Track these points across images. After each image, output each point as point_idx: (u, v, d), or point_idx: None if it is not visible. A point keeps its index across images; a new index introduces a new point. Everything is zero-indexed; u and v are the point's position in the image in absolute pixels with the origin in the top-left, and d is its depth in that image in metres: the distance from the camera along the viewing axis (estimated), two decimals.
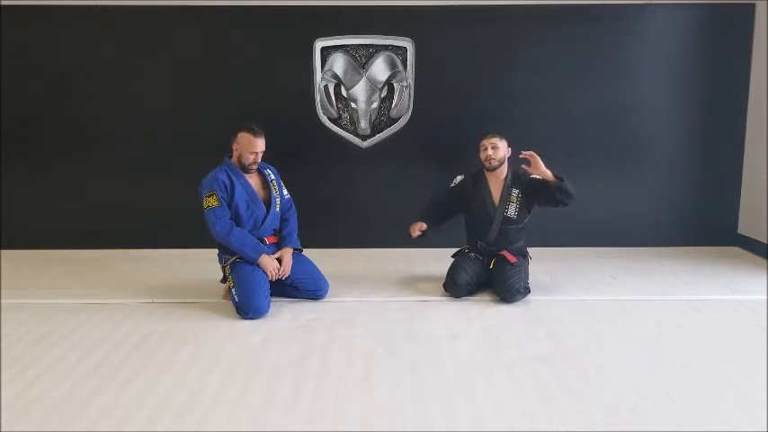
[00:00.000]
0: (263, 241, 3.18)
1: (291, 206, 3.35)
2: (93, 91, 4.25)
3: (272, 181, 3.24)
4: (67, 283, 3.60)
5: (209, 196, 3.05)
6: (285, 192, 3.31)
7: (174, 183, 4.34)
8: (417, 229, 3.37)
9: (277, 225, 3.27)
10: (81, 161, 4.32)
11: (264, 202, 3.19)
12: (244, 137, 3.07)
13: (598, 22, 4.19)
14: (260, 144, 3.08)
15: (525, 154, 3.14)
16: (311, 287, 3.23)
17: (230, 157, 3.17)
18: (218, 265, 3.25)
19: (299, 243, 3.31)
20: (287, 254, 3.20)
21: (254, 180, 3.20)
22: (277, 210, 3.23)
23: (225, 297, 3.25)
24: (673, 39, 4.22)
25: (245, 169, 3.12)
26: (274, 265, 3.11)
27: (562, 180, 3.11)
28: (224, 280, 3.21)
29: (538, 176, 3.19)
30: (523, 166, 3.20)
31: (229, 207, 3.09)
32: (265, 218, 3.18)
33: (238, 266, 3.09)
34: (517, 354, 2.55)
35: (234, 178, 3.10)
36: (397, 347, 2.63)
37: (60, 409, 2.09)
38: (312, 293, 3.24)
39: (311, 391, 2.23)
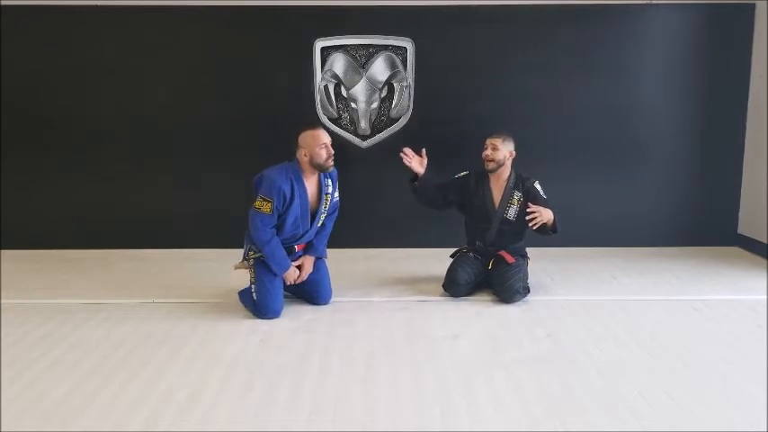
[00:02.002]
0: (292, 249, 3.12)
1: (336, 210, 3.24)
2: (93, 91, 4.25)
3: (326, 195, 3.11)
4: (67, 283, 3.60)
5: (264, 200, 2.92)
6: (336, 194, 3.18)
7: (174, 183, 4.35)
8: (416, 157, 3.25)
9: (312, 237, 3.19)
10: (81, 161, 4.32)
11: (310, 215, 3.11)
12: (306, 136, 2.97)
13: (598, 22, 4.19)
14: (324, 135, 2.98)
15: (531, 211, 3.09)
16: (313, 291, 3.18)
17: (297, 160, 3.03)
18: (244, 245, 3.16)
19: (325, 252, 3.25)
20: (308, 262, 3.16)
21: (312, 192, 3.06)
22: (319, 224, 3.16)
23: (238, 266, 3.21)
24: (673, 39, 4.23)
25: (324, 169, 3.00)
26: (295, 275, 3.09)
27: (555, 231, 3.18)
28: (243, 260, 3.17)
29: (541, 194, 3.27)
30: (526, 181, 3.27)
31: (279, 216, 2.98)
32: (306, 233, 3.11)
33: (262, 266, 3.04)
34: (517, 354, 2.55)
35: (296, 189, 2.97)
36: (397, 347, 2.63)
37: (60, 409, 2.09)
38: (313, 298, 3.19)
39: (311, 391, 2.22)
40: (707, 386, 2.26)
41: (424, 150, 3.30)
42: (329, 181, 3.13)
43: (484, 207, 3.35)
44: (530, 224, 3.10)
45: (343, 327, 2.87)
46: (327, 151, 2.97)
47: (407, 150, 3.27)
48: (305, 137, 2.98)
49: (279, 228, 3.03)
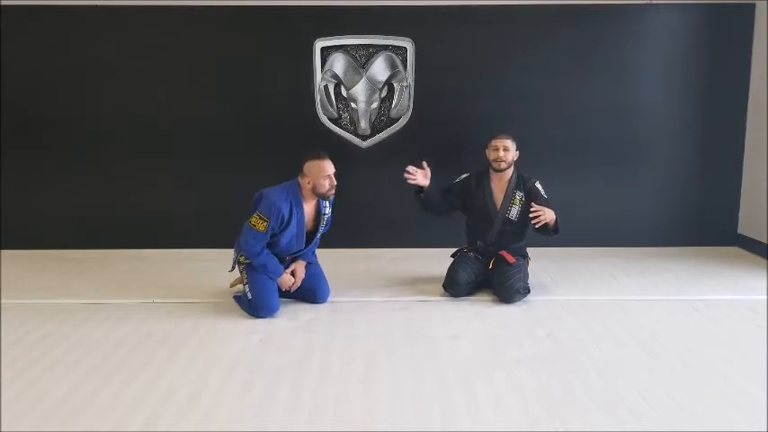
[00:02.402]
0: (283, 259, 3.17)
1: (328, 225, 3.28)
2: (93, 91, 4.25)
3: (323, 215, 3.16)
4: (67, 283, 3.60)
5: (261, 219, 2.95)
6: (329, 210, 3.21)
7: (174, 183, 4.35)
8: (420, 171, 3.22)
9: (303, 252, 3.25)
10: (81, 161, 4.32)
11: (306, 233, 3.15)
12: (312, 165, 2.99)
13: (598, 22, 4.19)
14: (330, 166, 3.01)
15: (535, 214, 3.09)
16: (311, 290, 3.20)
17: (299, 184, 3.07)
18: (233, 252, 3.21)
19: (314, 258, 3.31)
20: (300, 267, 3.19)
21: (309, 214, 3.11)
22: (311, 244, 3.22)
23: (234, 284, 3.27)
24: (673, 39, 4.23)
25: (325, 198, 3.07)
26: (290, 282, 3.11)
27: (556, 231, 3.20)
28: (232, 269, 3.22)
29: (543, 195, 3.27)
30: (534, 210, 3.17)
31: (273, 235, 3.03)
32: (299, 251, 3.17)
33: (253, 267, 3.08)
34: (517, 354, 2.55)
35: (294, 212, 3.01)
36: (397, 347, 2.63)
37: (60, 409, 2.09)
38: (312, 297, 3.20)
39: (311, 391, 2.22)
40: (707, 386, 2.26)
41: (424, 163, 3.28)
42: (327, 202, 3.18)
43: (485, 208, 3.35)
44: (532, 221, 3.11)
45: (343, 327, 2.87)
46: (331, 182, 3.02)
47: (410, 169, 3.24)
48: (310, 167, 2.99)
49: (273, 245, 3.07)
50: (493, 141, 3.31)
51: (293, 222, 3.03)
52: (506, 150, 3.27)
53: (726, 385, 2.27)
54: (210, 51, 4.23)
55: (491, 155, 3.31)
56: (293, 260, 3.23)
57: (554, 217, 3.15)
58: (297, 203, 3.03)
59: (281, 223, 3.00)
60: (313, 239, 3.20)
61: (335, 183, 3.04)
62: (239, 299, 3.15)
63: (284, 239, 3.06)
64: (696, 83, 4.27)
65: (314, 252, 3.33)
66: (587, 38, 4.20)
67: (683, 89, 4.28)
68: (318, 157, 3.01)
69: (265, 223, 2.95)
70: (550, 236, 3.24)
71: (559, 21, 4.17)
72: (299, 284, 3.17)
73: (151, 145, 4.31)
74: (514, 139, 3.33)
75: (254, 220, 2.97)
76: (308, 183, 3.01)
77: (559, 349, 2.60)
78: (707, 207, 4.40)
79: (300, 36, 4.20)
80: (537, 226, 3.13)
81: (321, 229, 3.19)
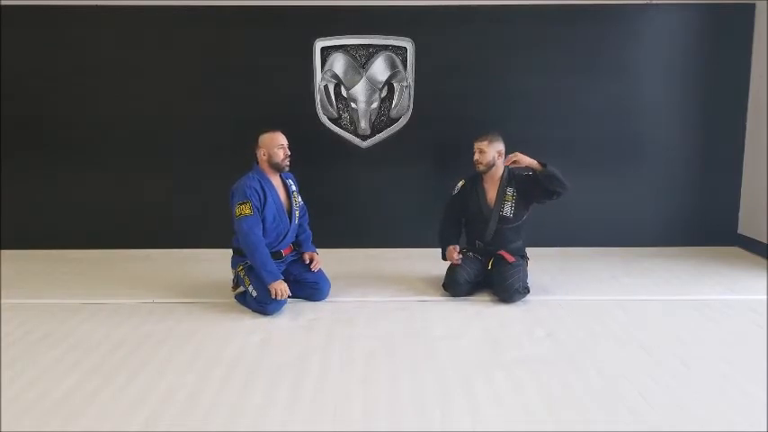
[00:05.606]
0: (280, 254, 3.20)
1: (305, 213, 3.41)
2: (93, 91, 4.25)
3: (293, 192, 3.27)
4: (67, 283, 3.59)
5: (242, 204, 3.03)
6: (299, 199, 3.34)
7: (174, 183, 4.35)
8: (455, 252, 3.32)
9: (295, 238, 3.33)
10: (81, 161, 4.32)
11: (286, 214, 3.23)
12: (265, 137, 3.16)
13: (598, 22, 4.19)
14: (282, 137, 3.17)
15: (508, 161, 3.19)
16: (313, 286, 3.24)
17: (257, 163, 3.21)
18: (232, 270, 3.25)
19: (314, 249, 3.38)
20: (311, 252, 3.31)
21: (281, 192, 3.23)
22: (296, 222, 3.28)
23: (234, 289, 3.28)
24: (673, 39, 4.23)
25: (280, 168, 3.16)
26: (283, 288, 3.01)
27: (545, 165, 3.13)
28: (236, 286, 3.24)
29: (529, 172, 3.25)
30: (514, 167, 3.26)
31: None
32: (287, 232, 3.22)
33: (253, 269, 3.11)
34: (517, 354, 2.55)
35: (266, 187, 3.12)
36: (397, 347, 2.63)
37: (60, 409, 2.09)
38: (314, 294, 3.23)
39: (311, 391, 2.23)
40: (707, 386, 2.26)
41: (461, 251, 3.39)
42: (291, 182, 3.31)
43: (480, 209, 3.37)
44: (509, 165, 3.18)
45: (343, 327, 2.87)
46: (284, 152, 3.16)
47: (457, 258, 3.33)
48: (264, 138, 3.16)
49: (263, 230, 3.11)
50: (474, 144, 3.35)
51: (269, 198, 3.12)
52: (482, 153, 3.30)
53: (726, 385, 2.27)
54: (210, 51, 4.23)
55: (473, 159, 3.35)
56: (294, 257, 3.29)
57: (533, 161, 3.12)
58: (264, 179, 3.15)
59: (260, 198, 3.09)
60: (292, 216, 3.24)
61: (289, 153, 3.17)
62: (243, 298, 3.16)
63: (269, 217, 3.11)
64: (696, 83, 4.26)
65: (311, 242, 3.40)
66: (587, 38, 4.20)
67: (683, 89, 4.28)
68: (271, 130, 3.17)
69: (248, 204, 3.03)
70: (551, 183, 3.12)
71: (559, 21, 4.17)
72: (320, 265, 3.27)
73: (151, 145, 4.31)
74: (495, 138, 3.31)
75: (237, 211, 3.05)
76: (264, 155, 3.15)
77: (559, 349, 2.60)
78: (707, 207, 4.40)
79: (300, 36, 4.20)
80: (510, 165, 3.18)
81: (295, 206, 3.24)
